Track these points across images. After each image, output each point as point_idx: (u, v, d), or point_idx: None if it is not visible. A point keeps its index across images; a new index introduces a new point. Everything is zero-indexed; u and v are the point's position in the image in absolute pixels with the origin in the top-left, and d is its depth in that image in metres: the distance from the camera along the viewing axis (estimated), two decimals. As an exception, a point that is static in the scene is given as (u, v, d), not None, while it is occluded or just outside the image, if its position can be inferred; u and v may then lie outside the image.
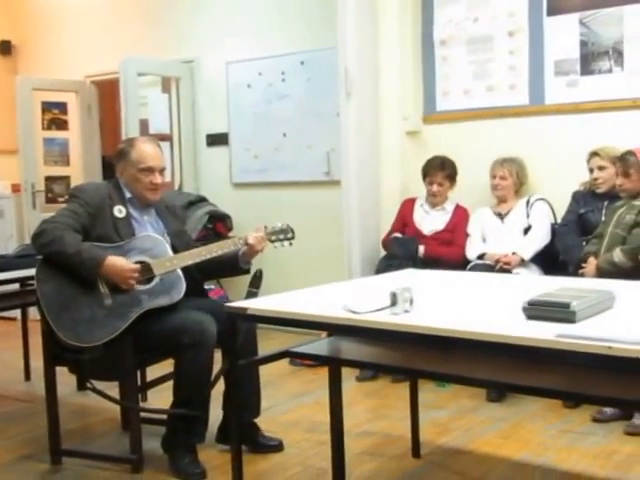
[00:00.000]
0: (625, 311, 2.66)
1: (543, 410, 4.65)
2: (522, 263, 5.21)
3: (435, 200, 5.74)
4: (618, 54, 5.26)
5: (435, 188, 5.70)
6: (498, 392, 4.86)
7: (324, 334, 3.60)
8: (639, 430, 4.20)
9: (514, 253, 5.22)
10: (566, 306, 2.44)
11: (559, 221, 5.29)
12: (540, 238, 5.29)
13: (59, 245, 3.71)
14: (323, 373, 5.13)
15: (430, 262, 5.25)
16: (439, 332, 2.50)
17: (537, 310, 2.50)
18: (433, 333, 2.51)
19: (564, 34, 5.46)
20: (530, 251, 5.25)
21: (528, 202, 5.43)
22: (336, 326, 2.86)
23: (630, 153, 4.63)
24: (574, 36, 5.42)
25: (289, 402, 5.04)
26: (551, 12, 5.51)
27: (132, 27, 8.21)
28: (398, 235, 5.73)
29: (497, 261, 5.22)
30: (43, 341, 3.97)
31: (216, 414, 4.05)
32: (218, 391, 3.95)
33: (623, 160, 4.65)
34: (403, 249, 5.54)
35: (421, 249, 5.54)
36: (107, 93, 9.08)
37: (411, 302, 2.74)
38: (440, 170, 5.69)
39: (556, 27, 5.49)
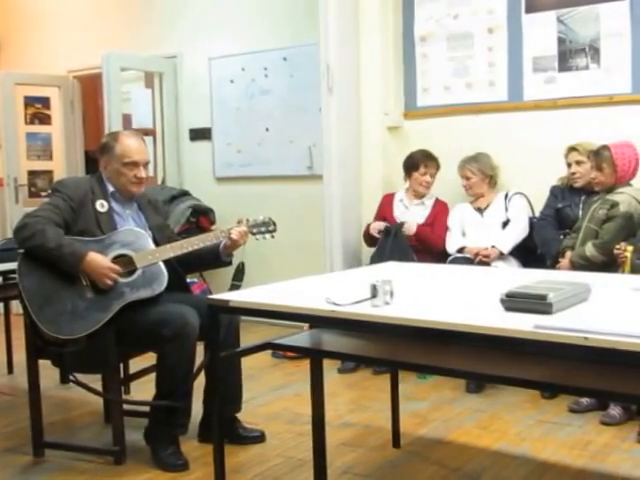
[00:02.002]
0: (600, 303, 2.70)
1: (521, 401, 4.71)
2: (501, 256, 5.27)
3: (424, 191, 5.77)
4: (595, 51, 5.33)
5: (429, 178, 5.73)
6: (477, 383, 4.92)
7: (306, 327, 3.64)
8: (615, 420, 4.26)
9: (493, 247, 5.28)
10: (543, 298, 2.47)
11: (537, 215, 5.35)
12: (518, 232, 5.35)
13: (40, 239, 3.72)
14: (304, 365, 5.17)
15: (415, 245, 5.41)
16: (419, 324, 2.52)
17: (515, 302, 2.53)
18: (413, 325, 2.54)
19: (542, 31, 5.52)
20: (508, 244, 5.30)
21: (506, 196, 5.49)
22: (317, 318, 2.87)
23: (605, 148, 4.70)
24: (552, 33, 5.48)
25: (270, 394, 5.07)
26: (529, 9, 5.57)
27: (115, 22, 8.20)
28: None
29: (476, 254, 5.27)
30: (26, 334, 3.98)
31: (198, 407, 4.08)
32: (200, 385, 3.98)
33: (597, 154, 4.73)
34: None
35: (412, 226, 5.61)
36: (90, 88, 9.07)
37: (391, 294, 2.76)
38: (434, 161, 5.75)
39: (534, 24, 5.55)
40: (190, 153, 7.92)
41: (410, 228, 5.56)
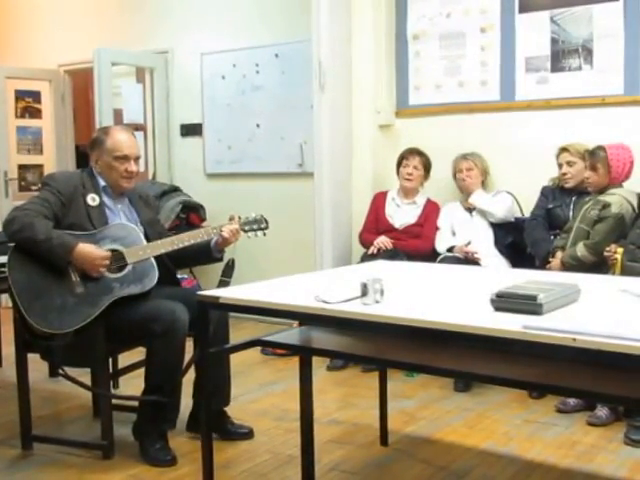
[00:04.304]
0: (590, 304, 2.70)
1: (508, 400, 4.72)
2: (489, 253, 5.30)
3: (408, 185, 5.77)
4: (587, 52, 5.33)
5: (410, 169, 5.73)
6: (465, 382, 4.92)
7: (295, 324, 3.64)
8: (601, 421, 4.27)
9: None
10: (533, 298, 2.47)
11: (527, 215, 5.36)
12: (497, 204, 5.41)
13: (29, 232, 3.71)
14: (293, 362, 5.17)
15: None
16: (409, 322, 2.52)
17: (505, 302, 2.53)
18: (403, 323, 2.54)
19: (535, 31, 5.53)
20: (481, 198, 5.41)
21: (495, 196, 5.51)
22: (307, 315, 2.87)
23: (600, 148, 4.72)
24: (545, 33, 5.49)
25: (259, 390, 5.07)
26: (523, 9, 5.57)
27: (107, 17, 8.19)
28: None
29: (466, 252, 5.27)
30: (15, 328, 3.98)
31: (187, 402, 4.08)
32: (189, 379, 3.98)
33: (592, 154, 4.74)
34: None
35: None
36: (81, 82, 9.06)
37: (382, 293, 2.77)
38: (418, 155, 5.76)
39: (527, 24, 5.56)
40: (181, 149, 7.92)
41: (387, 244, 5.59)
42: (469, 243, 5.31)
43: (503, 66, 5.69)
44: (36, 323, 3.71)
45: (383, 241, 5.58)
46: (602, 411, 4.31)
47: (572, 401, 4.49)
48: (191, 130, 7.81)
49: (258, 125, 7.30)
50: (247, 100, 7.36)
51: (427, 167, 5.80)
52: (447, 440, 4.15)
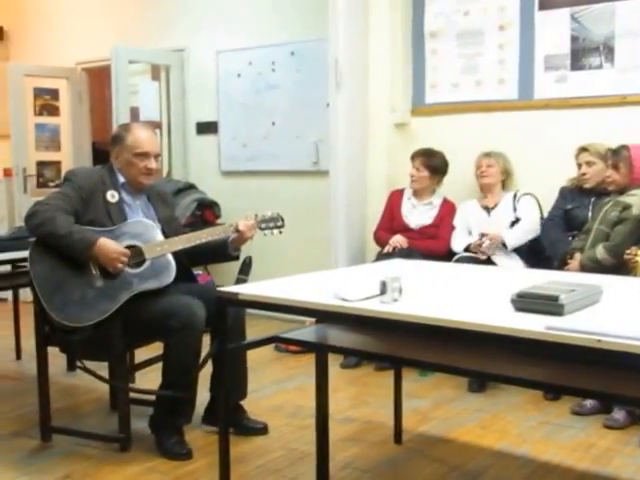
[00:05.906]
0: (612, 305, 2.68)
1: (523, 402, 4.71)
2: (504, 250, 5.27)
3: (412, 186, 5.77)
4: (609, 50, 5.27)
5: (413, 171, 5.72)
6: (479, 383, 4.92)
7: (308, 321, 3.64)
8: (618, 424, 4.24)
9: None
10: (555, 299, 2.46)
11: (545, 216, 5.33)
12: (527, 229, 5.32)
13: (51, 226, 3.75)
14: (305, 360, 5.21)
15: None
16: (428, 321, 2.52)
17: (526, 302, 2.52)
18: (422, 322, 2.53)
19: (555, 29, 5.47)
20: (514, 240, 5.29)
21: (515, 196, 5.45)
22: (327, 313, 2.88)
23: (624, 147, 4.65)
24: (565, 31, 5.43)
25: (272, 387, 5.09)
26: (542, 6, 5.51)
27: (123, 15, 8.23)
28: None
29: (479, 245, 5.26)
30: (35, 321, 4.03)
31: (203, 396, 4.11)
32: (206, 373, 4.01)
33: (615, 153, 4.69)
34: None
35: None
36: (97, 80, 9.11)
37: (400, 291, 2.77)
38: (421, 156, 5.72)
39: (547, 22, 5.50)
40: (196, 146, 7.93)
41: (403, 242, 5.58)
42: (483, 236, 5.28)
43: (522, 64, 5.63)
44: (55, 316, 3.75)
45: (398, 240, 5.57)
46: (619, 414, 4.28)
47: (589, 403, 4.46)
48: (206, 128, 7.82)
49: (273, 123, 7.31)
50: (262, 98, 7.37)
51: (432, 168, 5.72)
52: (461, 440, 4.15)
